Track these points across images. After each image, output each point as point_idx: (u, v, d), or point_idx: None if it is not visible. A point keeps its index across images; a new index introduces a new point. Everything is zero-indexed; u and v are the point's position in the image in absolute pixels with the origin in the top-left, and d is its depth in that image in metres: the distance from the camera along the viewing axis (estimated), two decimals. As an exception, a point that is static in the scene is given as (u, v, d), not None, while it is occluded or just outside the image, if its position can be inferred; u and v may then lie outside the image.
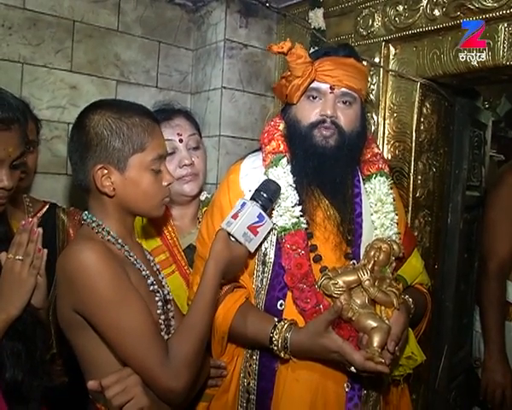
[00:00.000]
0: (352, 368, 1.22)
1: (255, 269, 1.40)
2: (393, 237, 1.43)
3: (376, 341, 1.20)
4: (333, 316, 1.22)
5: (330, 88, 1.37)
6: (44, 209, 1.68)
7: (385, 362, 1.18)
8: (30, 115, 1.69)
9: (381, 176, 1.49)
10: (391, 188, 1.50)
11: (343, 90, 1.37)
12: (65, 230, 1.67)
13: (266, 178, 1.39)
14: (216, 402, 1.41)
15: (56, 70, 1.98)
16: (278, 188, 1.35)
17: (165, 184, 1.24)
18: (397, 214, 1.47)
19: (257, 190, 1.33)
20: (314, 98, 1.39)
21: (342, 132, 1.37)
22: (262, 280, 1.39)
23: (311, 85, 1.38)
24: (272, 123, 1.52)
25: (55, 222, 1.67)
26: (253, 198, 1.31)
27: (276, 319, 1.30)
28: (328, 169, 1.38)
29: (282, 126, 1.49)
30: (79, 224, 1.25)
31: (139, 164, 1.18)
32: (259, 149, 1.52)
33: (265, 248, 1.38)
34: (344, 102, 1.38)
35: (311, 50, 1.85)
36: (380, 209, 1.45)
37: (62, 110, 2.00)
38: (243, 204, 1.29)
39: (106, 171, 1.16)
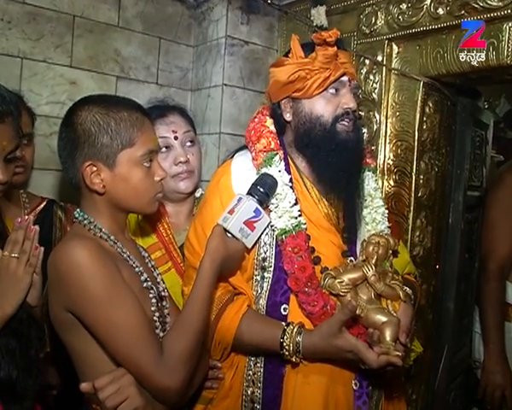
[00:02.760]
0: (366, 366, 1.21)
1: (253, 274, 1.35)
2: (385, 232, 1.42)
3: (389, 335, 1.20)
4: (346, 316, 1.20)
5: (349, 80, 1.35)
6: (42, 206, 1.67)
7: (399, 355, 1.18)
8: (24, 108, 1.67)
9: (369, 171, 1.48)
10: (377, 182, 1.49)
11: (355, 82, 1.38)
12: (62, 227, 1.67)
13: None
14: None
15: (56, 65, 1.96)
16: (275, 182, 1.31)
17: (157, 179, 1.21)
18: (386, 208, 1.46)
19: (253, 185, 1.30)
20: (336, 91, 1.35)
21: (358, 125, 1.38)
22: (262, 286, 1.34)
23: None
24: (257, 120, 1.46)
25: (52, 219, 1.66)
26: (249, 193, 1.29)
27: (284, 324, 1.27)
28: (350, 163, 1.36)
29: (269, 123, 1.43)
30: (75, 221, 1.23)
31: (128, 160, 1.15)
32: (245, 147, 1.46)
33: (264, 252, 1.34)
34: (354, 95, 1.37)
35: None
36: (370, 204, 1.45)
37: (62, 106, 1.97)
38: (239, 199, 1.27)
39: (95, 168, 1.14)
